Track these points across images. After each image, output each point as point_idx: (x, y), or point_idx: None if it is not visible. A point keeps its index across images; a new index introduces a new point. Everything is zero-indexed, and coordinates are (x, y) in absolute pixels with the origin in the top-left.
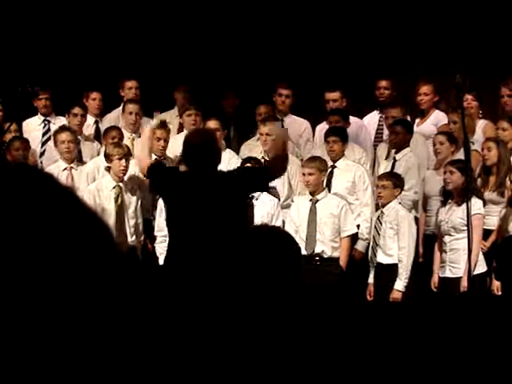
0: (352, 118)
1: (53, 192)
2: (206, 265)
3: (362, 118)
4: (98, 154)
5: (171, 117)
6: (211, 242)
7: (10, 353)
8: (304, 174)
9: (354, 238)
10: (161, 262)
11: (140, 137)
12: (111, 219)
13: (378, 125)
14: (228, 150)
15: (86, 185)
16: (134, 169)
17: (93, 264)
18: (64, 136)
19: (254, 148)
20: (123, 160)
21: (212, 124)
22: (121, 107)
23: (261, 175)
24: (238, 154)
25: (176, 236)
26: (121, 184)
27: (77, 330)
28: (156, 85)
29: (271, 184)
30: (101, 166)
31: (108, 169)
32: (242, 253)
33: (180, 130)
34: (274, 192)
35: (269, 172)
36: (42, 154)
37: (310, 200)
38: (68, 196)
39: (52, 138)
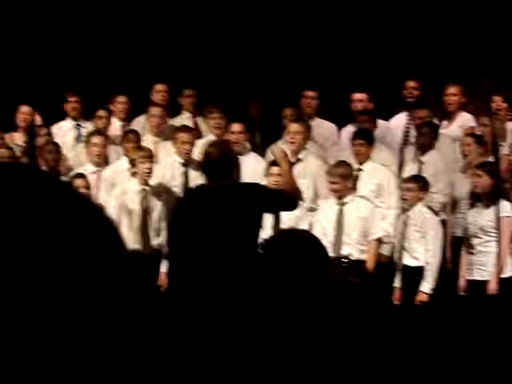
0: (378, 121)
1: (56, 192)
2: (215, 279)
3: (387, 120)
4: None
5: (184, 121)
6: (219, 254)
7: (10, 353)
8: (330, 182)
9: (380, 241)
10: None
11: (165, 139)
12: (136, 222)
13: (405, 126)
14: (253, 153)
15: (105, 190)
16: (161, 173)
17: (94, 263)
18: (97, 139)
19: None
20: (146, 163)
21: (236, 127)
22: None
23: (277, 198)
24: (263, 157)
25: (183, 248)
26: (146, 187)
27: (77, 331)
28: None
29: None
30: (121, 171)
31: (134, 173)
32: (268, 258)
33: (198, 133)
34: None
35: (286, 197)
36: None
37: (338, 203)
38: (70, 194)
39: (85, 140)
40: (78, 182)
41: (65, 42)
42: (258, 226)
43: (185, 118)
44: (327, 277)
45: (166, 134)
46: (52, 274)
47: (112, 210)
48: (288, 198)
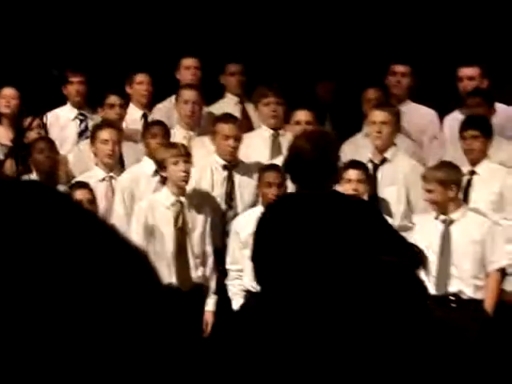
0: (497, 105)
1: (72, 219)
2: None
3: (510, 105)
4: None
5: (227, 107)
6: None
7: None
8: (427, 190)
9: (504, 272)
10: (235, 305)
11: (200, 133)
12: (169, 246)
13: None
14: None
15: (121, 204)
16: (195, 179)
17: (120, 309)
18: (107, 134)
19: (361, 148)
20: (181, 164)
21: (302, 115)
22: (172, 96)
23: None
24: None
25: (271, 278)
26: (182, 199)
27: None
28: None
29: None
30: (141, 177)
31: (163, 180)
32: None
33: (246, 124)
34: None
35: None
36: None
37: (441, 221)
38: (76, 216)
39: (90, 135)
40: (81, 195)
41: (63, 8)
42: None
43: (228, 104)
44: (427, 320)
45: (201, 125)
46: (70, 325)
47: (135, 233)
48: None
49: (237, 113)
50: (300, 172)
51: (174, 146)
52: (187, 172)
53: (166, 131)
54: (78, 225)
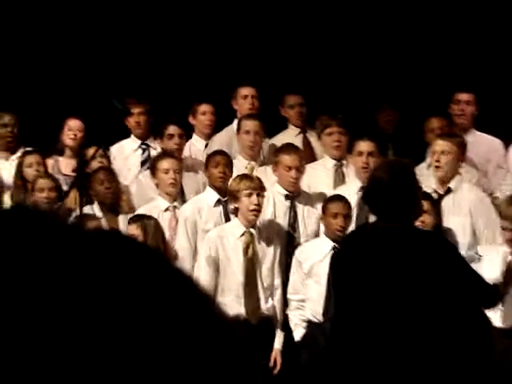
0: None
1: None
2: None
3: None
4: (204, 189)
5: (289, 138)
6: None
7: None
8: (503, 228)
9: None
10: (296, 336)
11: (262, 164)
12: (239, 277)
13: None
14: None
15: (185, 236)
16: (268, 210)
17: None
18: (167, 164)
19: (425, 178)
20: (254, 197)
21: (364, 146)
22: (234, 125)
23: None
24: None
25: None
26: (252, 230)
27: None
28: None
29: None
30: (203, 207)
31: (235, 211)
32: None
33: (308, 154)
34: None
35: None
36: None
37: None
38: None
39: (150, 166)
40: (131, 229)
41: (127, 34)
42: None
43: (290, 135)
44: (492, 354)
45: (263, 155)
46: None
47: (203, 264)
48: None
49: (299, 143)
50: (379, 203)
51: (248, 178)
52: (260, 205)
53: (228, 161)
54: (143, 274)
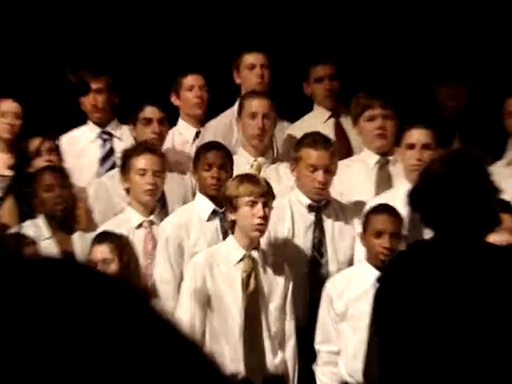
0: None
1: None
2: None
3: None
4: (194, 196)
5: (315, 124)
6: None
7: None
8: None
9: None
10: None
11: (274, 161)
12: (236, 320)
13: None
14: None
15: (166, 263)
16: (272, 222)
17: None
18: (144, 161)
19: (504, 179)
20: (259, 206)
21: (417, 135)
22: (235, 107)
23: None
24: None
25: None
26: (255, 254)
27: None
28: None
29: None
30: (193, 223)
31: (232, 225)
32: None
33: (342, 146)
34: None
35: None
36: None
37: None
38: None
39: (119, 164)
40: (102, 251)
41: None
42: None
43: (317, 119)
44: None
45: (276, 149)
46: None
47: (187, 302)
48: None
49: (329, 131)
50: (436, 212)
51: (252, 179)
52: (266, 218)
53: (226, 158)
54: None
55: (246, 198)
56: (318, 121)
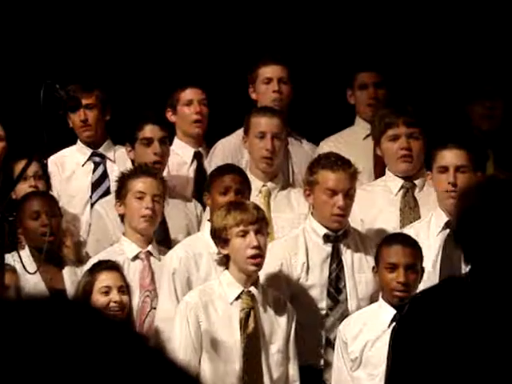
0: None
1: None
2: None
3: None
4: (199, 225)
5: (352, 140)
6: None
7: None
8: None
9: None
10: None
11: (285, 186)
12: (234, 365)
13: None
14: None
15: (172, 297)
16: (281, 255)
17: None
18: (142, 185)
19: None
20: (251, 235)
21: (449, 157)
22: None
23: None
24: None
25: None
26: (253, 290)
27: None
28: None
29: None
30: (203, 253)
31: (226, 260)
32: None
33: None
34: None
35: None
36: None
37: None
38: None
39: (115, 190)
40: (116, 278)
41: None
42: None
43: (357, 135)
44: None
45: (288, 171)
46: None
47: (181, 345)
48: None
49: (369, 149)
50: (474, 245)
51: (240, 207)
52: (262, 248)
53: (245, 182)
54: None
55: (235, 229)
56: (358, 136)
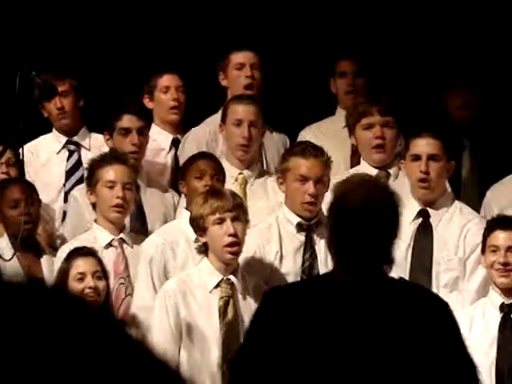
0: None
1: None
2: None
3: None
4: (175, 213)
5: (333, 129)
6: None
7: None
8: None
9: None
10: None
11: (260, 175)
12: (213, 354)
13: None
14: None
15: (149, 289)
16: (256, 242)
17: None
18: (114, 173)
19: None
20: (228, 223)
21: (423, 146)
22: (219, 113)
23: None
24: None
25: None
26: (233, 278)
27: None
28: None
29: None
30: (180, 241)
31: (204, 249)
32: None
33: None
34: None
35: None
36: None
37: None
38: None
39: (85, 178)
40: (92, 264)
41: None
42: None
43: (336, 124)
44: None
45: (265, 159)
46: None
47: (159, 333)
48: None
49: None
50: (342, 244)
51: (217, 195)
52: (238, 236)
53: (219, 168)
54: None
55: (212, 217)
56: (338, 125)
